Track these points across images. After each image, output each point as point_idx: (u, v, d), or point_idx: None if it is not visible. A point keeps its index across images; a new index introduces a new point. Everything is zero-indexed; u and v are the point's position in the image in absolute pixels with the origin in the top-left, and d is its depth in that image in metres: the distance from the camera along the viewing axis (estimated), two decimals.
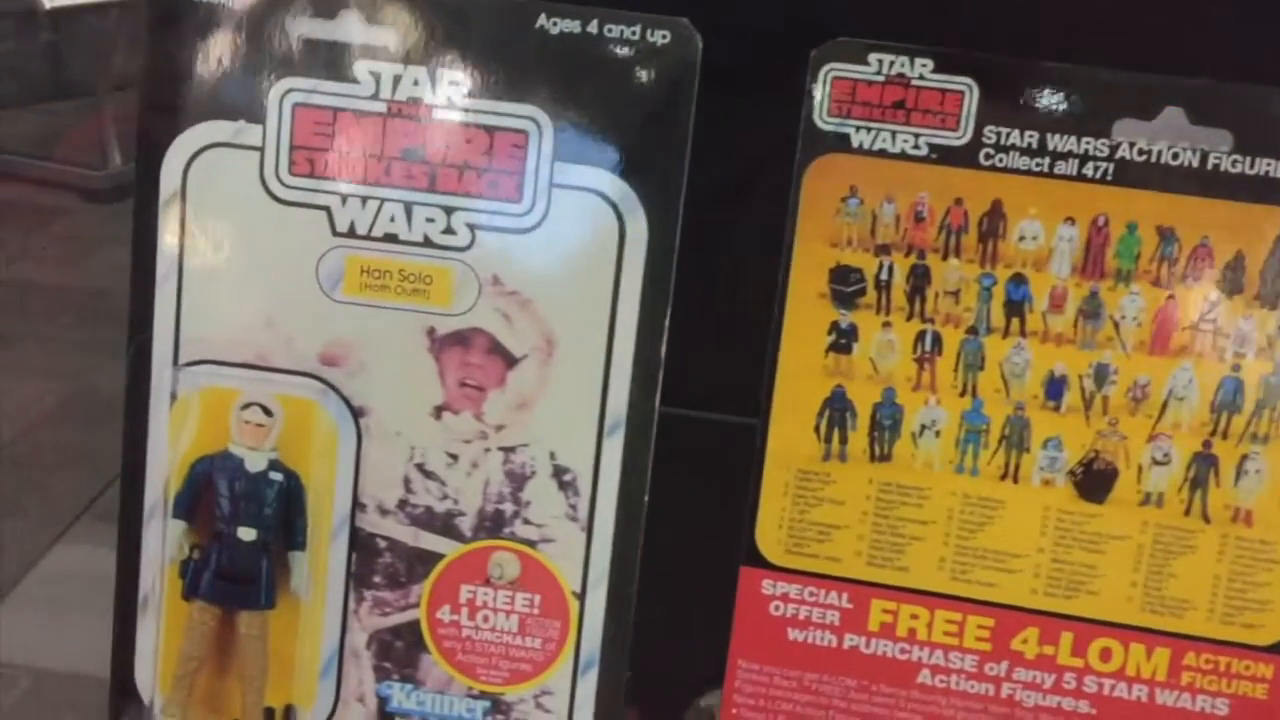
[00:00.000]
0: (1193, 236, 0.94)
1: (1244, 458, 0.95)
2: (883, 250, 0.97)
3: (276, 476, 1.03)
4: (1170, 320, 0.95)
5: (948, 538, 0.99)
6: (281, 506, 1.03)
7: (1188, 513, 0.96)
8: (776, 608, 1.02)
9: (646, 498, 1.01)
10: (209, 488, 1.04)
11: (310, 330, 1.01)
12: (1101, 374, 0.97)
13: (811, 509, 1.01)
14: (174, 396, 1.04)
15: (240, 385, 1.02)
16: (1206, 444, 0.96)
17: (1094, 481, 0.97)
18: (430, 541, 1.04)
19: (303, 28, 0.97)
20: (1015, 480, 0.98)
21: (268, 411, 1.03)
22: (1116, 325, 0.96)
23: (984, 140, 0.94)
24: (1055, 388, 0.97)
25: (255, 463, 1.03)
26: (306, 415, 1.03)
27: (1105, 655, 0.99)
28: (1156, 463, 0.96)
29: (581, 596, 1.03)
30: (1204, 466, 0.96)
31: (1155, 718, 0.98)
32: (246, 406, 1.03)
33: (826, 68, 0.94)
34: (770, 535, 1.02)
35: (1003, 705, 1.00)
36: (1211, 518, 0.96)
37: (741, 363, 1.02)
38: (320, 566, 1.05)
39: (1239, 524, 0.96)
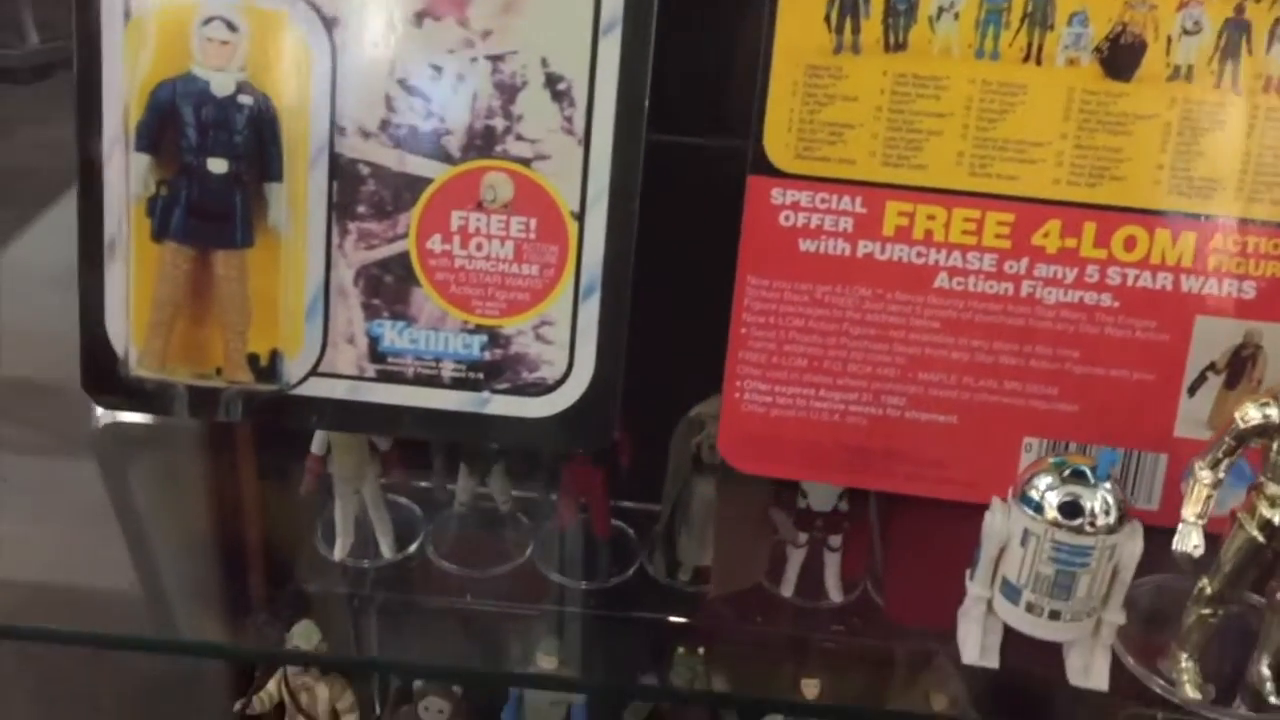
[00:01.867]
0: None
1: (1278, 21, 0.90)
2: None
3: (246, 100, 0.95)
4: None
5: (966, 130, 0.94)
6: (253, 133, 0.96)
7: (1218, 85, 0.92)
8: (786, 218, 0.97)
9: (647, 104, 0.95)
10: (173, 116, 0.96)
11: None
12: None
13: (822, 108, 0.95)
14: (127, 15, 0.95)
15: None
16: (1239, 9, 0.91)
17: (1121, 56, 0.92)
18: (416, 165, 0.97)
19: None
20: (1038, 62, 0.93)
21: (231, 26, 0.95)
22: None
23: None
24: None
25: (222, 86, 0.95)
26: (275, 29, 0.95)
27: (1130, 244, 0.95)
28: (1186, 32, 0.91)
29: (580, 217, 0.97)
30: (1236, 33, 0.91)
31: (1180, 306, 0.95)
32: (208, 21, 0.95)
33: None
34: (779, 140, 0.96)
35: (1023, 304, 0.97)
36: (1242, 89, 0.91)
37: None
38: (299, 198, 0.98)
39: (1270, 94, 0.91)
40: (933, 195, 0.96)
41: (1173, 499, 0.97)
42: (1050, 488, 0.86)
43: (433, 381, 1.00)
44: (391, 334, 1.00)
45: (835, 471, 1.01)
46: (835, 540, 1.07)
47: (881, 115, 0.95)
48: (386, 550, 1.10)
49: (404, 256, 0.98)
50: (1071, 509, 0.84)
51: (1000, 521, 0.88)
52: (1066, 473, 0.86)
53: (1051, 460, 0.87)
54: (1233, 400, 0.94)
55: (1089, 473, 0.85)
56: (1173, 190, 0.93)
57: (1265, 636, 0.90)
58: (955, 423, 0.99)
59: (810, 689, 1.00)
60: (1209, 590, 0.87)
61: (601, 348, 1.00)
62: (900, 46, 0.93)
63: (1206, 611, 0.88)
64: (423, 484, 1.16)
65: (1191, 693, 0.89)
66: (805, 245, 0.97)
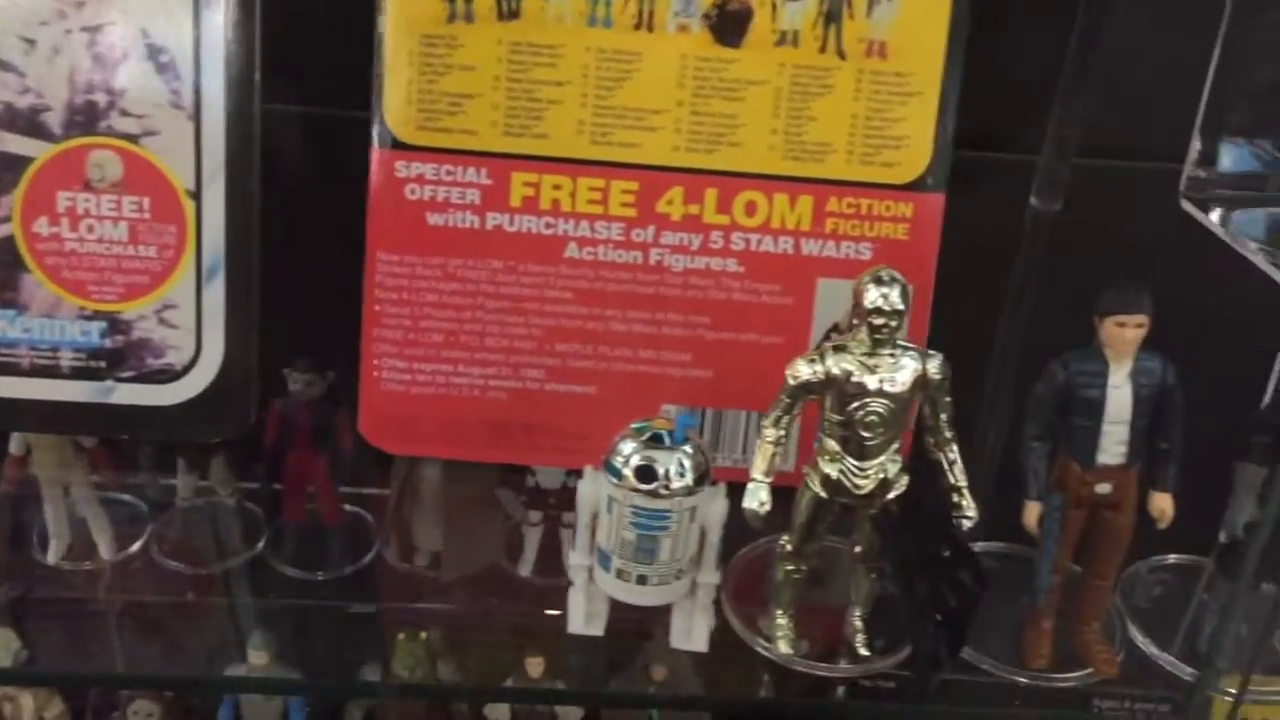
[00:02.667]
0: None
1: None
2: None
3: None
4: None
5: (585, 98, 0.94)
6: None
7: (823, 49, 0.93)
8: (413, 191, 0.95)
9: (258, 76, 0.92)
10: None
11: None
12: None
13: (441, 78, 0.93)
14: None
15: None
16: None
17: (729, 23, 0.93)
18: (15, 144, 0.92)
19: None
20: (650, 29, 0.93)
21: None
22: None
23: None
24: None
25: None
26: None
27: (750, 209, 0.96)
28: None
29: (197, 195, 0.93)
30: None
31: (802, 269, 0.97)
32: None
33: None
34: (399, 112, 0.94)
35: (652, 272, 0.97)
36: (846, 52, 0.93)
37: None
38: None
39: (874, 58, 0.93)
40: (557, 165, 0.95)
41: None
42: (629, 454, 0.86)
43: (51, 372, 0.95)
44: (2, 323, 0.95)
45: (479, 448, 1.00)
46: (570, 517, 1.04)
47: (500, 85, 0.93)
48: (105, 551, 1.05)
49: (8, 241, 0.93)
50: (646, 473, 0.85)
51: (590, 489, 0.88)
52: (645, 437, 0.86)
53: (634, 426, 0.88)
54: None
55: (666, 436, 0.86)
56: (787, 155, 0.95)
57: (855, 590, 0.92)
58: (595, 393, 0.99)
59: (535, 668, 0.98)
60: (789, 547, 0.89)
61: (230, 330, 0.96)
62: (513, 14, 0.92)
63: (790, 568, 0.90)
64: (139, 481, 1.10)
65: (785, 649, 0.90)
66: (434, 219, 0.96)
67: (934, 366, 0.84)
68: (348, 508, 1.07)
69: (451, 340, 0.98)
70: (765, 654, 0.91)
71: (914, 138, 0.94)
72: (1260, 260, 0.93)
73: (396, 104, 0.94)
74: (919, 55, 0.93)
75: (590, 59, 0.93)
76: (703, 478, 0.86)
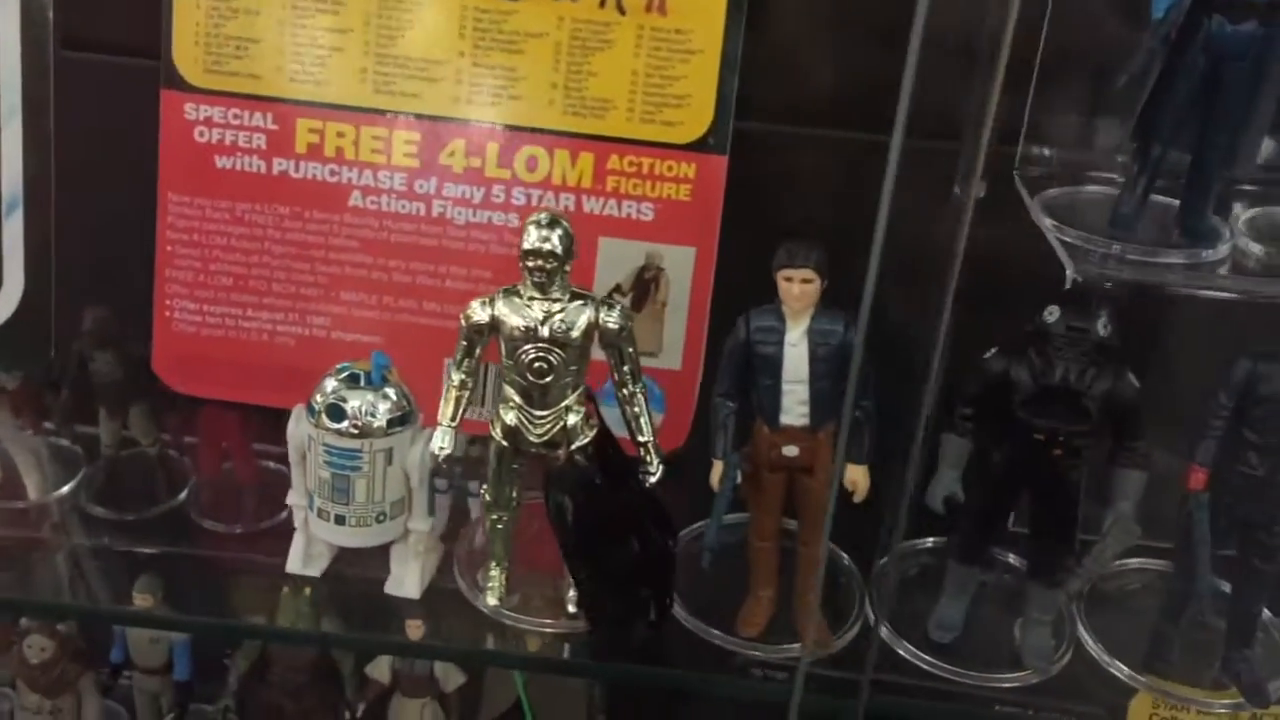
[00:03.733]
0: None
1: None
2: None
3: None
4: None
5: (368, 47, 0.94)
6: None
7: (603, 4, 0.92)
8: (201, 134, 0.96)
9: (51, 14, 0.94)
10: None
11: None
12: None
13: (227, 21, 0.94)
14: None
15: None
16: None
17: None
18: None
19: None
20: None
21: None
22: None
23: None
24: None
25: None
26: None
27: (531, 164, 0.95)
28: None
29: None
30: None
31: (583, 227, 0.94)
32: None
33: None
34: (187, 54, 0.95)
35: (435, 225, 0.97)
36: (626, 7, 0.92)
37: None
38: None
39: (654, 13, 0.92)
40: (341, 113, 0.95)
41: None
42: (327, 393, 0.85)
43: None
44: None
45: (267, 391, 1.00)
46: None
47: (284, 30, 0.94)
48: (33, 492, 1.06)
49: None
50: (335, 412, 0.84)
51: (295, 428, 0.88)
52: (343, 376, 0.86)
53: (338, 365, 0.87)
54: (639, 322, 0.94)
55: (363, 376, 0.85)
56: (567, 110, 0.94)
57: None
58: (380, 343, 0.98)
59: (414, 630, 0.94)
60: (487, 497, 0.87)
61: (29, 266, 0.99)
62: None
63: (494, 518, 0.88)
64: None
65: (491, 600, 0.89)
66: (221, 162, 0.97)
67: (611, 316, 0.82)
68: (270, 465, 1.05)
69: (240, 284, 0.99)
70: (473, 603, 0.90)
71: (695, 97, 0.93)
72: (1052, 237, 0.90)
73: (185, 47, 0.95)
74: (699, 13, 0.91)
75: (372, 7, 0.93)
76: (401, 420, 0.85)
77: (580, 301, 0.82)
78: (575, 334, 0.81)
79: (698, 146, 0.94)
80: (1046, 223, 0.93)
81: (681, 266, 0.96)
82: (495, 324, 0.82)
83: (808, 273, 0.80)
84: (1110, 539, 0.83)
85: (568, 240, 0.80)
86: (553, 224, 0.79)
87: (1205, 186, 0.91)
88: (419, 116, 0.95)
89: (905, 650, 0.90)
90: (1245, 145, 0.89)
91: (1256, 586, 0.87)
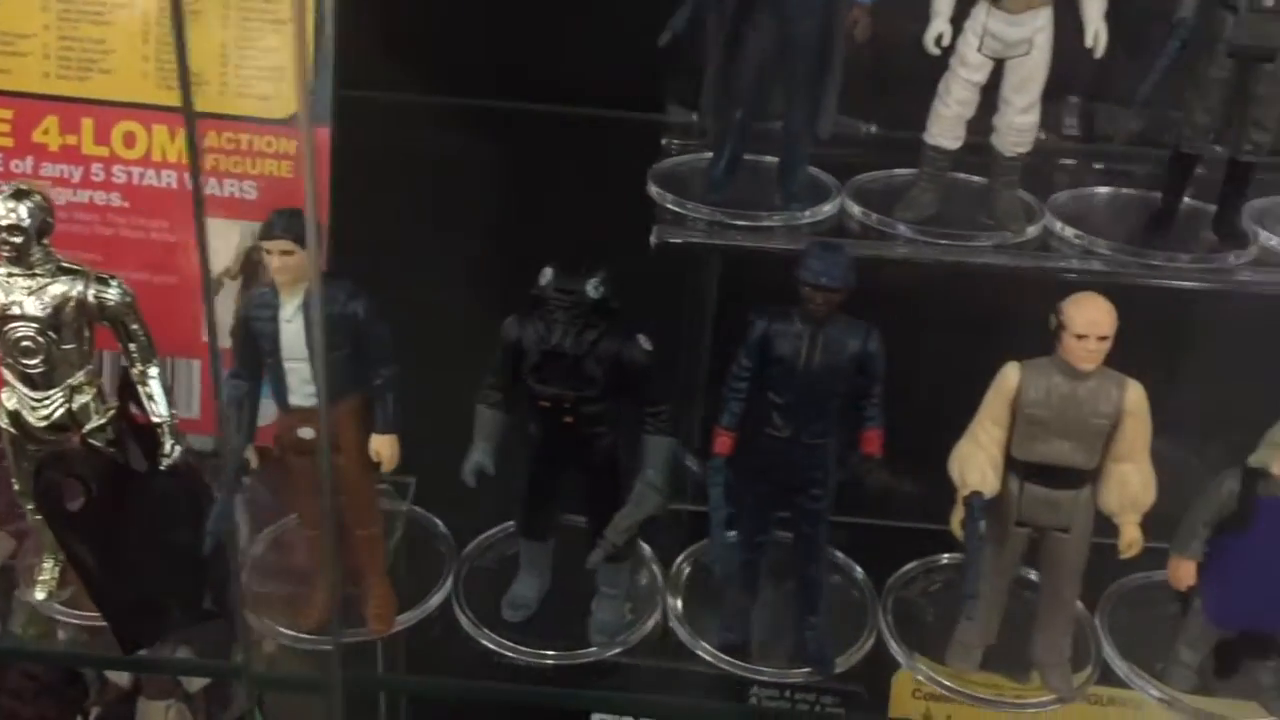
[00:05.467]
0: None
1: None
2: None
3: None
4: None
5: None
6: None
7: None
8: None
9: None
10: None
11: None
12: None
13: None
14: None
15: None
16: None
17: None
18: None
19: None
20: None
21: None
22: None
23: None
24: None
25: None
26: None
27: (129, 140, 0.91)
28: None
29: None
30: None
31: (188, 206, 0.92)
32: None
33: None
34: None
35: None
36: None
37: None
38: None
39: None
40: None
41: (210, 405, 0.94)
42: None
43: None
44: None
45: None
46: None
47: None
48: None
49: None
50: None
51: None
52: None
53: None
54: None
55: None
56: (160, 84, 0.90)
57: None
58: None
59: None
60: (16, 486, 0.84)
61: None
62: None
63: (29, 509, 0.84)
64: None
65: (39, 594, 0.85)
66: None
67: (107, 291, 0.79)
68: None
69: None
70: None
71: (288, 70, 0.89)
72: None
73: None
74: None
75: None
76: None
77: (69, 277, 0.78)
78: (66, 311, 0.77)
79: (296, 121, 0.90)
80: (653, 190, 0.90)
81: None
82: None
83: (285, 244, 0.77)
84: (630, 506, 0.80)
85: (39, 213, 0.76)
86: (19, 195, 0.76)
87: (796, 148, 0.88)
88: (9, 93, 0.91)
89: (488, 638, 0.87)
90: (825, 103, 0.86)
91: (810, 551, 0.84)
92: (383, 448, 0.80)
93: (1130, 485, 0.79)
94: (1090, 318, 0.76)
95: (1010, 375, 0.79)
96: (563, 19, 0.97)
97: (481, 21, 0.97)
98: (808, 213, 0.89)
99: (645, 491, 0.80)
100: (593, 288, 0.78)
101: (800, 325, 0.78)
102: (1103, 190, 0.96)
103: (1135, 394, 0.78)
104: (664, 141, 0.99)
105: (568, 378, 0.79)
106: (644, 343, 0.80)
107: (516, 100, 0.98)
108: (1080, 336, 0.76)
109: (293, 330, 0.78)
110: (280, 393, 0.80)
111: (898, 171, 0.93)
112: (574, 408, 0.79)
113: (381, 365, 0.78)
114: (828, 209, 0.90)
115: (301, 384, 0.79)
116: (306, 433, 0.79)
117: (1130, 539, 0.79)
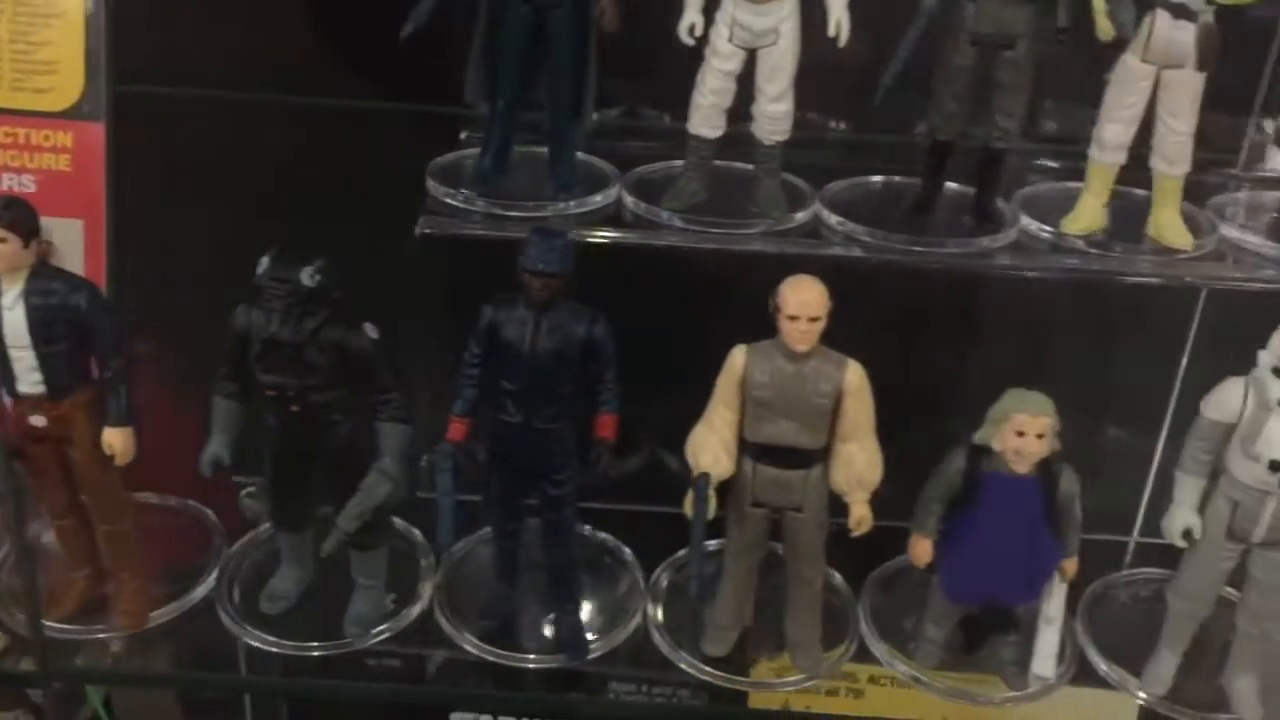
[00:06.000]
0: None
1: None
2: None
3: None
4: None
5: None
6: None
7: None
8: None
9: None
10: None
11: None
12: None
13: None
14: None
15: None
16: None
17: None
18: None
19: None
20: None
21: None
22: None
23: None
24: None
25: None
26: None
27: None
28: None
29: None
30: None
31: None
32: None
33: None
34: None
35: None
36: None
37: None
38: None
39: None
40: None
41: None
42: None
43: None
44: None
45: None
46: None
47: None
48: None
49: None
50: None
51: None
52: None
53: None
54: None
55: None
56: None
57: None
58: None
59: None
60: None
61: None
62: None
63: None
64: None
65: None
66: None
67: None
68: None
69: None
70: None
71: (64, 63, 0.90)
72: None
73: None
74: None
75: None
76: None
77: None
78: None
79: (72, 114, 0.91)
80: (429, 182, 0.91)
81: (71, 239, 0.93)
82: None
83: (2, 233, 0.78)
84: (361, 494, 0.81)
85: None
86: None
87: (561, 137, 0.89)
88: None
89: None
90: (584, 93, 0.87)
91: (558, 537, 0.85)
92: (115, 440, 0.80)
93: (856, 464, 0.80)
94: (802, 299, 0.77)
95: (737, 358, 0.80)
96: (369, 12, 0.98)
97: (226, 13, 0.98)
98: (574, 203, 0.90)
99: (377, 479, 0.81)
100: (308, 275, 0.78)
101: (524, 311, 0.79)
102: (876, 179, 0.97)
103: (854, 374, 0.79)
104: (462, 135, 1.00)
105: (290, 366, 0.80)
106: (370, 331, 0.81)
107: (317, 96, 0.99)
108: (793, 318, 0.77)
109: (14, 318, 0.79)
110: (7, 380, 0.81)
111: (676, 162, 0.95)
112: (299, 396, 0.80)
113: (111, 358, 0.79)
114: (599, 199, 0.91)
115: (27, 371, 0.79)
116: (38, 420, 0.80)
117: (859, 516, 0.80)
